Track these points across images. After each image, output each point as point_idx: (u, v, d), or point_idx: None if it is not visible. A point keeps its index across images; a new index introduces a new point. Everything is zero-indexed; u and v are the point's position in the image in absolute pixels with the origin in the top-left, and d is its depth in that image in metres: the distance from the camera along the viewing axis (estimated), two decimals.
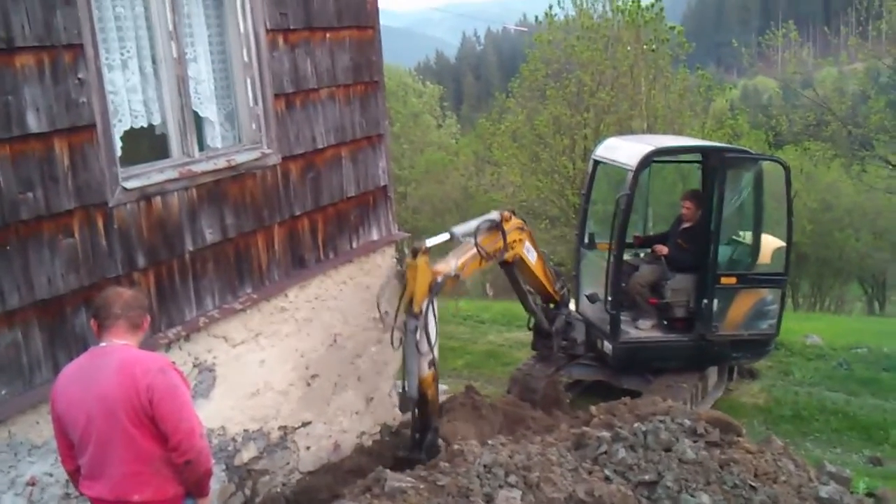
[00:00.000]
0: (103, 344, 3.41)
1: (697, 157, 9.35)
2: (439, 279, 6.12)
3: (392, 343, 6.21)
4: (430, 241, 6.17)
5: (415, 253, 6.04)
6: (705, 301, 8.18)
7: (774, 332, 8.64)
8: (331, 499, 5.06)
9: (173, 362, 3.46)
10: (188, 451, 3.28)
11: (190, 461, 3.30)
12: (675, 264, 8.46)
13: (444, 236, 6.52)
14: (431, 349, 6.05)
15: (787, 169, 8.39)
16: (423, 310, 5.97)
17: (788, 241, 8.60)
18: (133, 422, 3.25)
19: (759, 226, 8.56)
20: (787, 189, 8.42)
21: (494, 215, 6.94)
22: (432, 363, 6.12)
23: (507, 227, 6.99)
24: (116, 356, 3.33)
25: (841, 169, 29.67)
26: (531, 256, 7.51)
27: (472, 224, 6.74)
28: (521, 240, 7.30)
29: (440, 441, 6.18)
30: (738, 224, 8.79)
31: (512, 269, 7.47)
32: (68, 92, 4.04)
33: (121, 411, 3.24)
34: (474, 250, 6.60)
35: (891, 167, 21.11)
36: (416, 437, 6.15)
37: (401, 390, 6.32)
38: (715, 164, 8.29)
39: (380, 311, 6.52)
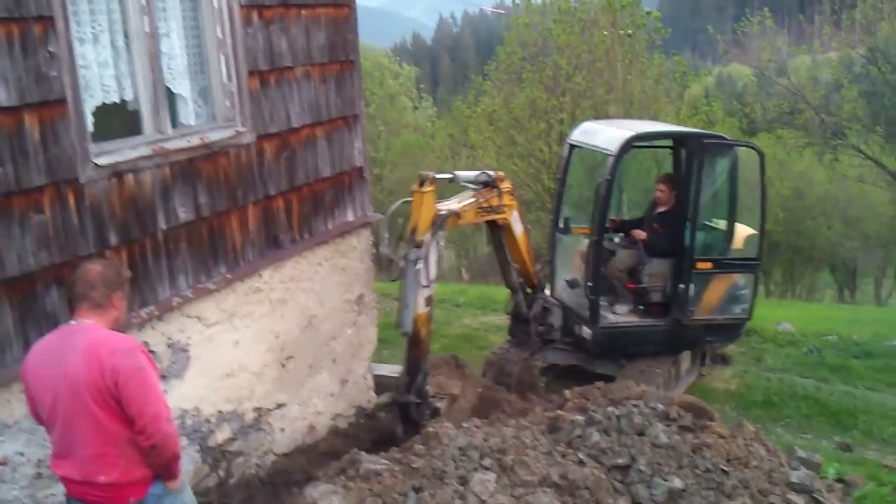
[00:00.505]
0: (73, 322, 3.36)
1: (669, 142, 9.37)
2: (443, 212, 6.20)
3: (392, 273, 6.22)
4: (436, 175, 6.25)
5: (422, 181, 6.11)
6: (682, 286, 8.22)
7: (747, 316, 8.76)
8: (305, 480, 5.04)
9: (145, 343, 3.40)
10: (153, 434, 3.22)
11: (155, 445, 3.24)
12: (653, 249, 8.49)
13: (448, 175, 6.65)
14: (430, 285, 6.03)
15: (761, 155, 8.52)
16: (427, 241, 5.96)
17: (762, 226, 8.71)
18: (98, 403, 3.19)
19: (733, 211, 8.60)
20: (762, 175, 8.57)
21: (491, 173, 7.04)
22: (430, 301, 6.13)
23: (501, 186, 7.06)
24: (84, 336, 3.28)
25: (813, 157, 29.99)
26: (517, 228, 7.52)
27: (472, 173, 6.90)
28: (511, 206, 7.32)
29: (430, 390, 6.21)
30: (712, 210, 8.83)
31: (499, 233, 7.50)
32: (38, 65, 3.94)
33: (85, 392, 3.19)
34: (474, 198, 6.64)
35: (863, 156, 21.37)
36: (407, 380, 6.16)
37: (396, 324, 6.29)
38: (693, 150, 8.32)
39: (382, 236, 6.45)
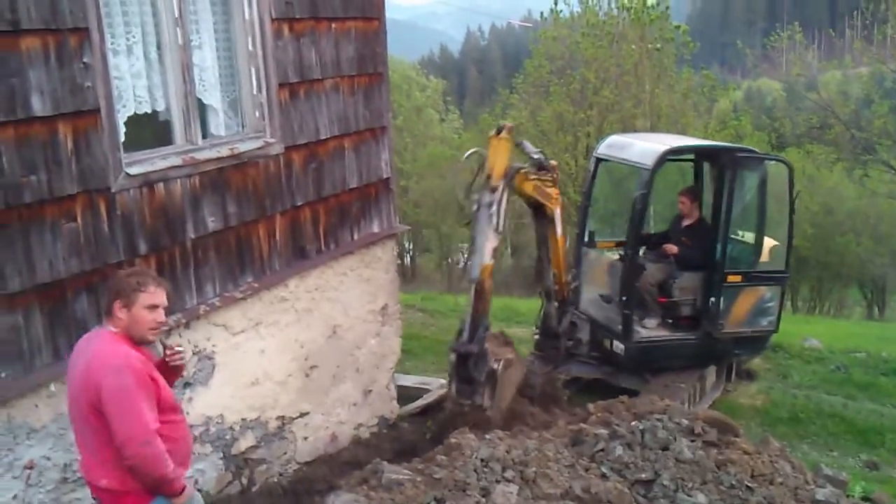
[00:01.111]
0: (96, 328, 3.44)
1: (691, 156, 9.39)
2: (516, 164, 6.35)
3: (462, 219, 6.33)
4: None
5: (499, 131, 6.28)
6: (713, 299, 8.23)
7: (774, 328, 8.74)
8: (327, 490, 5.05)
9: (140, 359, 3.33)
10: (129, 457, 3.19)
11: (132, 467, 3.22)
12: (683, 263, 8.46)
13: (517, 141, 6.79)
14: (499, 235, 6.14)
15: (790, 168, 8.53)
16: (501, 188, 6.06)
17: (789, 238, 8.71)
18: (92, 413, 3.23)
19: (762, 224, 8.60)
20: (790, 188, 8.54)
21: (548, 159, 7.22)
22: (495, 253, 6.20)
23: (555, 174, 7.21)
24: (93, 344, 3.33)
25: (843, 173, 29.71)
26: (559, 228, 7.52)
27: (535, 148, 7.13)
28: (558, 200, 7.37)
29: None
30: (741, 223, 8.82)
31: (545, 225, 7.51)
32: (73, 76, 4.03)
33: (83, 400, 3.25)
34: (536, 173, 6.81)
35: (893, 172, 21.10)
36: (470, 330, 6.16)
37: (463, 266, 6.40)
38: (725, 164, 8.30)
39: (464, 197, 6.57)
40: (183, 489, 3.36)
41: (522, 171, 6.57)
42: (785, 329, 9.47)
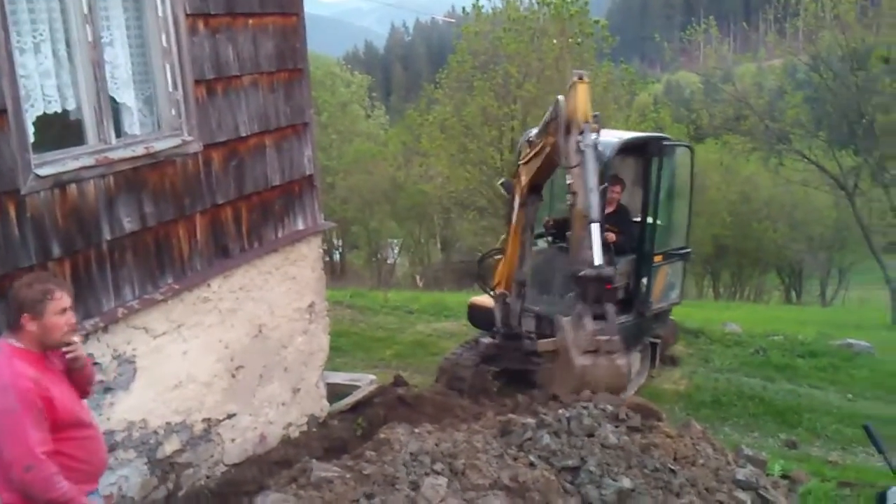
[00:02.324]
0: (3, 335, 3.35)
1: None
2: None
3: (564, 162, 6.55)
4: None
5: (581, 77, 6.49)
6: (644, 280, 8.54)
7: (679, 300, 9.53)
8: (256, 491, 5.00)
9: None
10: (14, 481, 3.14)
11: (19, 490, 3.15)
12: (622, 249, 8.62)
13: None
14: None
15: (692, 151, 9.62)
16: (587, 129, 6.26)
17: (689, 215, 9.58)
18: None
19: (671, 207, 9.24)
20: (691, 169, 9.48)
21: None
22: None
23: None
24: None
25: (759, 162, 30.62)
26: None
27: None
28: None
29: None
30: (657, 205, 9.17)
31: (538, 204, 7.92)
32: None
33: None
34: None
35: (806, 161, 21.84)
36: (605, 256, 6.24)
37: None
38: (654, 152, 8.68)
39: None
40: None
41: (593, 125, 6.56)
42: (706, 315, 9.80)
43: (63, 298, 3.36)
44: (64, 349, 3.46)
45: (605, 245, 8.57)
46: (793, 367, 10.82)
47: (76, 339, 3.55)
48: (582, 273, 6.17)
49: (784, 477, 6.34)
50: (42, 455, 3.14)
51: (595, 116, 6.53)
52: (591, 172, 6.23)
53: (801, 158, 21.97)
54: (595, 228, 6.25)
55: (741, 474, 5.30)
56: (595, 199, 6.21)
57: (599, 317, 6.05)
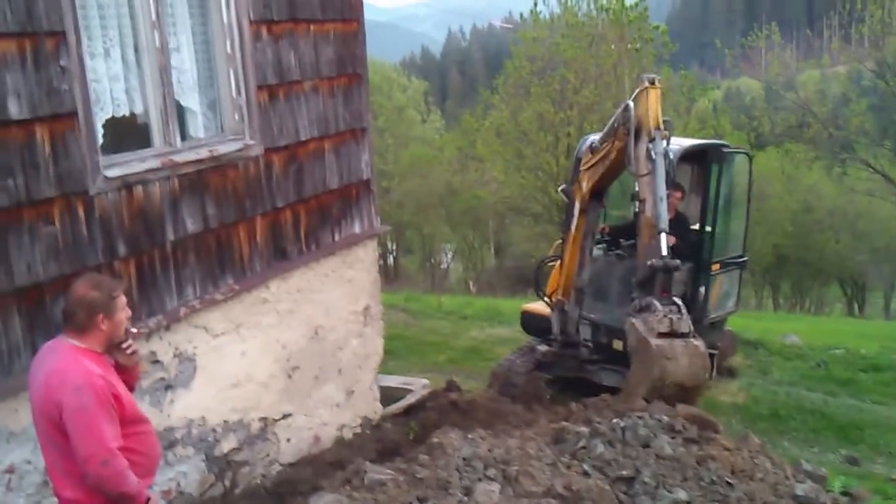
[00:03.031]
0: (59, 337, 3.42)
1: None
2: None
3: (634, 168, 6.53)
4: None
5: (652, 81, 6.45)
6: (702, 288, 8.41)
7: (735, 308, 9.34)
8: (311, 491, 5.05)
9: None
10: (88, 474, 3.20)
11: (93, 485, 3.23)
12: (676, 256, 8.53)
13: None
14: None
15: (750, 158, 9.35)
16: (657, 138, 6.26)
17: (747, 223, 9.32)
18: (53, 428, 3.25)
19: (728, 214, 8.93)
20: (750, 176, 9.25)
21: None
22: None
23: None
24: (52, 358, 3.32)
25: (822, 171, 29.98)
26: None
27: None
28: None
29: None
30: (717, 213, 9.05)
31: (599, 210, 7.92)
32: (50, 79, 4.01)
33: (43, 415, 3.27)
34: None
35: (871, 170, 21.32)
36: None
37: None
38: (713, 160, 8.53)
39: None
40: (147, 501, 3.36)
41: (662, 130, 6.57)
42: (766, 326, 9.61)
43: (122, 295, 3.50)
44: (124, 345, 3.56)
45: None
46: (855, 381, 10.55)
47: (134, 330, 3.68)
48: (650, 262, 6.13)
49: (845, 494, 6.17)
50: (116, 450, 3.23)
51: (666, 122, 6.46)
52: (661, 180, 6.17)
53: (865, 168, 21.45)
54: (663, 238, 6.24)
55: (800, 490, 5.18)
56: (664, 209, 6.17)
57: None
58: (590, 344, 8.35)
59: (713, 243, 8.54)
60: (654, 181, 6.21)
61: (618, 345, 8.13)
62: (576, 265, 8.16)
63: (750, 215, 9.49)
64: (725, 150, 8.88)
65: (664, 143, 6.27)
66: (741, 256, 9.22)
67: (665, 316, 5.86)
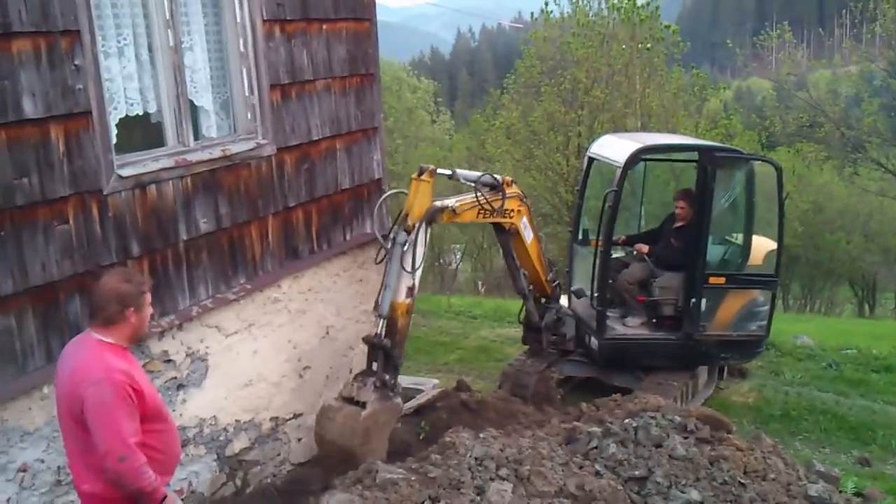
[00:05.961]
0: (85, 331, 3.45)
1: (693, 155, 9.29)
2: (437, 204, 6.27)
3: (375, 256, 6.24)
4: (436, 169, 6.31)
5: (421, 171, 6.19)
6: (693, 300, 8.14)
7: (764, 333, 8.60)
8: (322, 490, 5.06)
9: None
10: (107, 469, 3.22)
11: (111, 479, 3.25)
12: (663, 262, 8.45)
13: (447, 171, 6.67)
14: (414, 274, 6.03)
15: (778, 170, 8.31)
16: (416, 229, 6.01)
17: (779, 242, 8.58)
18: (75, 421, 3.28)
19: (749, 226, 8.53)
20: (779, 190, 8.35)
21: (497, 176, 7.08)
22: (411, 292, 6.06)
23: (507, 191, 7.08)
24: (79, 353, 3.35)
25: (833, 171, 29.79)
26: (527, 235, 7.52)
27: (473, 174, 6.94)
28: (519, 211, 7.33)
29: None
30: (732, 224, 8.78)
31: (507, 238, 7.53)
32: (65, 78, 4.03)
33: (67, 409, 3.31)
34: (473, 197, 6.73)
35: (883, 170, 21.20)
36: (374, 369, 5.87)
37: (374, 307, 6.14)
38: (705, 163, 8.24)
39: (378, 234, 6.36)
40: (163, 499, 3.37)
41: (448, 208, 6.42)
42: (777, 327, 9.50)
43: (149, 292, 3.55)
44: None
45: (640, 256, 8.56)
46: (867, 381, 10.47)
47: None
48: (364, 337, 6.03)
49: (857, 495, 6.15)
50: (134, 446, 3.25)
51: (433, 207, 6.25)
52: (392, 270, 5.97)
53: (877, 167, 21.34)
54: (381, 325, 5.96)
55: (813, 490, 5.16)
56: (388, 297, 5.94)
57: None
58: (556, 331, 8.43)
59: (710, 254, 8.19)
60: (387, 265, 6.07)
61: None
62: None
63: (783, 231, 8.64)
64: (720, 153, 8.45)
65: (414, 236, 6.00)
66: (770, 276, 8.48)
67: (352, 383, 5.85)
